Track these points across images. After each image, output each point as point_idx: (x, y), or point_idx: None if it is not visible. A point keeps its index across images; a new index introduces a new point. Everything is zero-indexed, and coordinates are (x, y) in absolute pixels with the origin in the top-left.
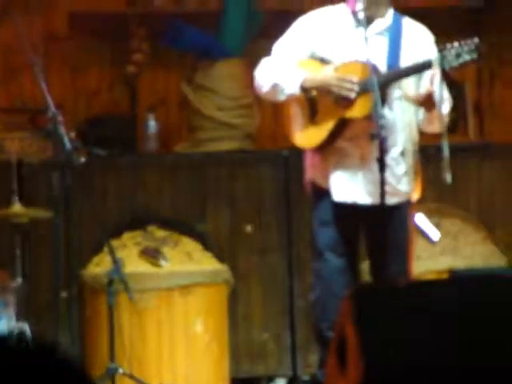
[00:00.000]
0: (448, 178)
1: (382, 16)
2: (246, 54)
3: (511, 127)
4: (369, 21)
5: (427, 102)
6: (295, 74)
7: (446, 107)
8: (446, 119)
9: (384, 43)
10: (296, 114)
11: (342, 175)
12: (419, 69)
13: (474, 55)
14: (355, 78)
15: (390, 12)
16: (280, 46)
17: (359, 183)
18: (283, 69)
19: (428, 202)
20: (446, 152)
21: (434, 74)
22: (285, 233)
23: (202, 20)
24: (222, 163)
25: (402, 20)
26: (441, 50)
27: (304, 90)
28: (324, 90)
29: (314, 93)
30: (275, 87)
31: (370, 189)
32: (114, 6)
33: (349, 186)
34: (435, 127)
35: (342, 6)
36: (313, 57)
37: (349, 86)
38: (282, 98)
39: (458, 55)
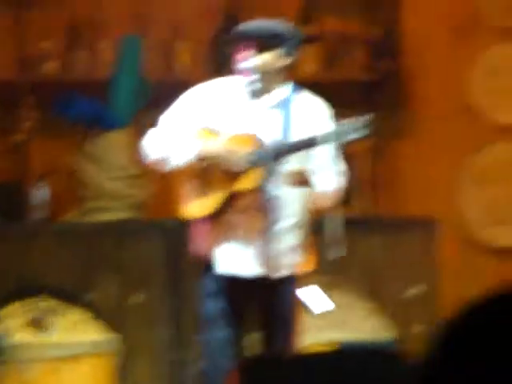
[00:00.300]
0: (340, 252)
1: (275, 90)
2: (136, 124)
3: (402, 200)
4: (262, 94)
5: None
6: (184, 144)
7: (340, 181)
8: (338, 194)
9: (278, 116)
10: (185, 185)
11: (227, 247)
12: (305, 145)
13: (366, 131)
14: (244, 151)
15: (289, 85)
16: (167, 116)
17: (244, 255)
18: (172, 139)
19: (318, 274)
20: (329, 229)
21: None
22: (173, 303)
23: (91, 88)
24: (110, 232)
25: (301, 93)
26: (333, 126)
27: (193, 160)
28: (214, 161)
29: (204, 164)
30: (163, 157)
31: (255, 261)
32: (2, 74)
33: (233, 258)
34: (322, 201)
35: (232, 78)
36: (202, 127)
37: (237, 158)
38: (169, 167)
39: (350, 131)
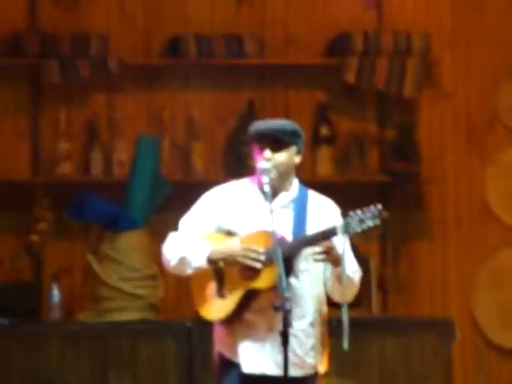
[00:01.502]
0: (345, 344)
1: (287, 189)
2: (151, 225)
3: (414, 302)
4: (274, 193)
5: (330, 256)
6: (202, 246)
7: (356, 276)
8: (355, 289)
9: (289, 215)
10: (203, 288)
11: (250, 347)
12: (324, 236)
13: (377, 221)
14: (261, 248)
15: (295, 184)
16: (187, 220)
17: (267, 354)
18: (190, 242)
19: (329, 377)
20: (345, 317)
21: (341, 241)
22: None
23: (107, 190)
24: (124, 333)
25: (308, 192)
26: (344, 217)
27: (211, 262)
28: (230, 260)
29: (221, 264)
30: (182, 261)
31: (278, 360)
32: (18, 175)
33: (257, 358)
34: (343, 294)
35: (245, 180)
36: (219, 230)
37: (254, 255)
38: (189, 271)
39: (362, 221)
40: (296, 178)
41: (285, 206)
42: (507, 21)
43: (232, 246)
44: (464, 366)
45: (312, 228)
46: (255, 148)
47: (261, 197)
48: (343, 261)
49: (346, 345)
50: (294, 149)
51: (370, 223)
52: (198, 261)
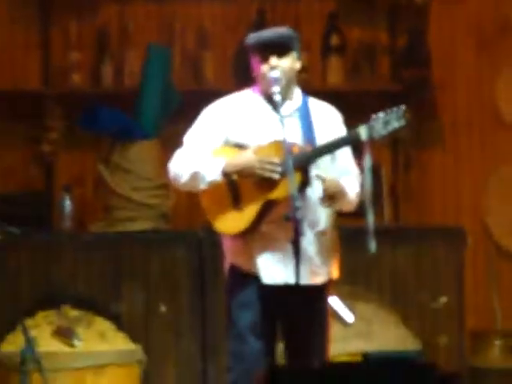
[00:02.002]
0: (372, 246)
1: (291, 98)
2: (162, 135)
3: (426, 211)
4: (285, 100)
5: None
6: (214, 160)
7: (355, 199)
8: (364, 191)
9: (296, 124)
10: (216, 201)
11: (269, 258)
12: (346, 142)
13: (402, 121)
14: (276, 159)
15: (298, 93)
16: (192, 135)
17: (288, 264)
18: (200, 157)
19: (341, 285)
20: (370, 220)
21: (363, 147)
22: (198, 314)
23: (118, 99)
24: (136, 243)
25: (308, 99)
26: (373, 119)
27: (225, 175)
28: (246, 173)
29: (235, 177)
30: (195, 176)
31: (291, 270)
32: (29, 85)
33: (278, 268)
34: (347, 205)
35: (247, 91)
36: (227, 143)
37: (271, 167)
38: (202, 185)
39: (386, 123)
40: (297, 87)
41: (290, 115)
42: None
43: (247, 158)
44: (475, 273)
45: (320, 135)
46: (257, 57)
47: (266, 106)
48: (367, 175)
49: (372, 247)
50: (295, 54)
51: (395, 124)
52: (212, 175)
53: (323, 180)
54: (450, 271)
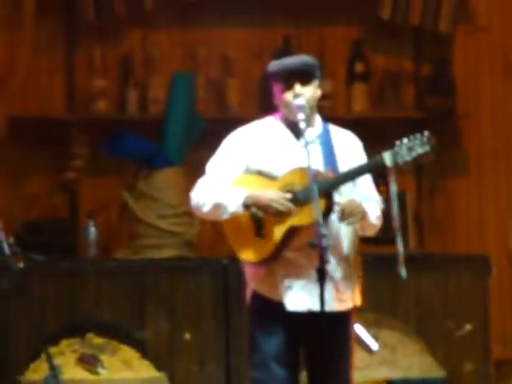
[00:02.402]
0: (403, 272)
1: (313, 125)
2: (186, 162)
3: (450, 239)
4: (307, 128)
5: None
6: (236, 192)
7: (378, 222)
8: (377, 228)
9: (318, 151)
10: (239, 229)
11: (293, 285)
12: (371, 167)
13: (427, 148)
14: (289, 195)
15: (319, 120)
16: (213, 164)
17: (312, 291)
18: (222, 187)
19: (366, 313)
20: (400, 246)
21: (388, 173)
22: (223, 342)
23: (142, 127)
24: (161, 270)
25: (329, 127)
26: (389, 147)
27: (246, 207)
28: (265, 208)
29: (255, 210)
30: (217, 207)
31: (316, 297)
32: (54, 112)
33: (302, 295)
34: (367, 232)
35: (269, 118)
36: (248, 170)
37: (285, 202)
38: (225, 216)
39: (411, 149)
40: (318, 114)
41: (312, 142)
42: None
43: (268, 195)
44: (501, 302)
45: (342, 162)
46: (280, 85)
47: (288, 133)
48: (394, 201)
49: (403, 273)
50: (317, 82)
51: (419, 150)
52: (233, 206)
53: (338, 203)
54: (476, 299)
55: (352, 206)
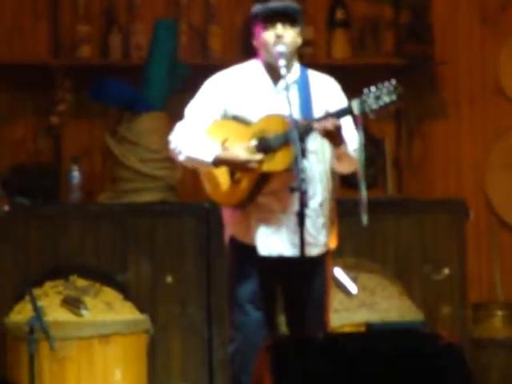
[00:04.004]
0: (364, 219)
1: (290, 71)
2: (169, 107)
3: (430, 182)
4: (279, 75)
5: (333, 135)
6: (207, 151)
7: (354, 145)
8: (356, 159)
9: (294, 96)
10: (213, 174)
11: (265, 230)
12: (339, 115)
13: (394, 97)
14: (258, 156)
15: (297, 65)
16: (192, 107)
17: (283, 236)
18: (197, 139)
19: (346, 257)
20: (364, 193)
21: (356, 121)
22: (204, 284)
23: (125, 72)
24: (143, 214)
25: (308, 72)
26: (360, 95)
27: (216, 165)
28: (231, 168)
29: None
30: (190, 160)
31: (294, 240)
32: (38, 57)
33: (273, 240)
34: (345, 166)
35: (251, 62)
36: (225, 115)
37: (251, 163)
38: (196, 167)
39: (378, 98)
40: (297, 60)
41: (291, 87)
42: None
43: (234, 156)
44: (478, 246)
45: (318, 107)
46: (261, 25)
47: (266, 79)
48: (360, 150)
49: (365, 221)
50: (298, 29)
51: (386, 99)
52: (204, 164)
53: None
54: (453, 243)
55: (335, 128)
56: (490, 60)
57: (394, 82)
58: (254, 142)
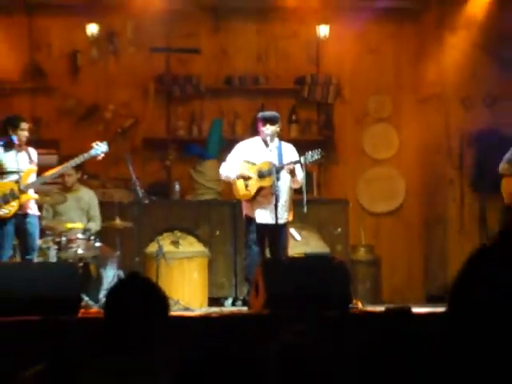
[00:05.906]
0: (305, 209)
1: (273, 141)
2: (219, 156)
3: (331, 191)
4: (271, 143)
5: (292, 171)
6: (235, 171)
7: (300, 176)
8: (302, 182)
9: (275, 153)
10: (236, 185)
11: (260, 211)
12: (295, 163)
13: (319, 156)
14: (252, 173)
15: (276, 139)
16: (229, 157)
17: (268, 214)
18: (230, 169)
19: (295, 224)
20: (304, 196)
21: (300, 164)
22: (234, 234)
23: (199, 142)
24: (207, 205)
25: (281, 142)
26: (304, 154)
27: (238, 177)
28: (242, 178)
29: (240, 178)
30: (227, 177)
31: (273, 216)
32: (156, 134)
33: (264, 215)
34: (296, 185)
35: (257, 137)
36: (244, 160)
37: (249, 178)
38: (231, 180)
39: (312, 156)
40: (278, 137)
41: (273, 150)
42: None
43: (243, 172)
44: (354, 217)
45: (286, 159)
46: (261, 123)
47: (262, 145)
48: (302, 174)
49: (305, 209)
50: (278, 125)
51: (316, 157)
52: (232, 178)
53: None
54: (343, 217)
55: (292, 168)
56: None
57: (319, 150)
58: (256, 173)
